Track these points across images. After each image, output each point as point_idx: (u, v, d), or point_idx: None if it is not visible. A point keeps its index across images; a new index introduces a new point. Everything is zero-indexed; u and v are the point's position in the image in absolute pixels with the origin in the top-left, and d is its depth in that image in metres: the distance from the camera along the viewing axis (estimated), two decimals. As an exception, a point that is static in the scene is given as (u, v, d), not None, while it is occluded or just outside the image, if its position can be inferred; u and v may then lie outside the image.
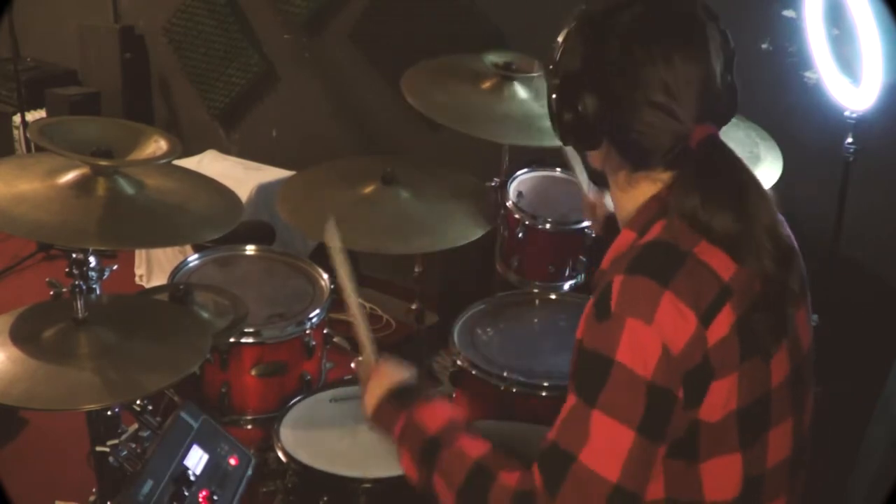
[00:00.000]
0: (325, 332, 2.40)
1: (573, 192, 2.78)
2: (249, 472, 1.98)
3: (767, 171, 2.38)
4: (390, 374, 1.57)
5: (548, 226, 2.65)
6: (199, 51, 4.26)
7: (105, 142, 1.89)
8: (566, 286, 2.68)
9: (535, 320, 2.45)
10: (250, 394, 2.28)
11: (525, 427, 1.90)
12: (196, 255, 2.52)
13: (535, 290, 2.57)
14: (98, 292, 1.95)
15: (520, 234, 2.64)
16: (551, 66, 1.39)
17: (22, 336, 1.81)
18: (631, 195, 1.40)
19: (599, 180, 1.48)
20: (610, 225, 1.49)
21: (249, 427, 2.28)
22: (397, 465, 1.89)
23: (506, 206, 2.68)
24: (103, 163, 1.83)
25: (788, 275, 1.36)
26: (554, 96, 1.38)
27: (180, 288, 2.16)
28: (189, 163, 3.78)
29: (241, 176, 3.70)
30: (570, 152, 2.01)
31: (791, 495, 1.43)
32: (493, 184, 2.73)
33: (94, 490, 2.02)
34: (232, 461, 1.95)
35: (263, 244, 2.77)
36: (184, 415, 1.92)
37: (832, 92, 2.53)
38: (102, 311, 1.91)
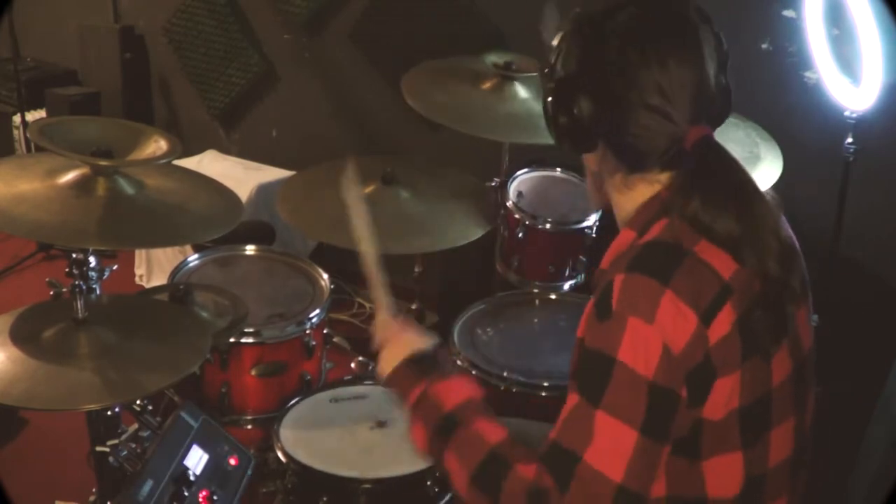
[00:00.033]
0: (325, 332, 2.40)
1: (573, 192, 2.79)
2: (249, 472, 1.98)
3: (767, 171, 2.38)
4: (411, 339, 1.54)
5: (548, 226, 2.65)
6: (199, 51, 4.26)
7: (105, 142, 1.89)
8: (566, 286, 2.68)
9: (535, 320, 2.45)
10: (250, 394, 2.28)
11: (525, 423, 1.90)
12: (196, 255, 2.52)
13: (535, 290, 2.57)
14: (98, 292, 1.95)
15: (520, 234, 2.64)
16: (546, 70, 1.40)
17: (22, 336, 1.81)
18: (628, 196, 1.40)
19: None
20: (609, 225, 1.49)
21: (249, 427, 2.28)
22: (397, 465, 1.91)
23: (506, 206, 2.68)
24: (103, 163, 1.83)
25: (790, 275, 1.36)
26: (549, 99, 1.39)
27: (180, 288, 2.16)
28: (189, 163, 3.78)
29: (241, 176, 3.70)
30: None
31: (792, 495, 1.43)
32: (493, 184, 2.73)
33: (94, 490, 2.02)
34: (232, 461, 1.95)
35: (263, 244, 2.77)
36: (184, 415, 1.92)
37: (832, 92, 2.53)
38: (102, 311, 1.91)
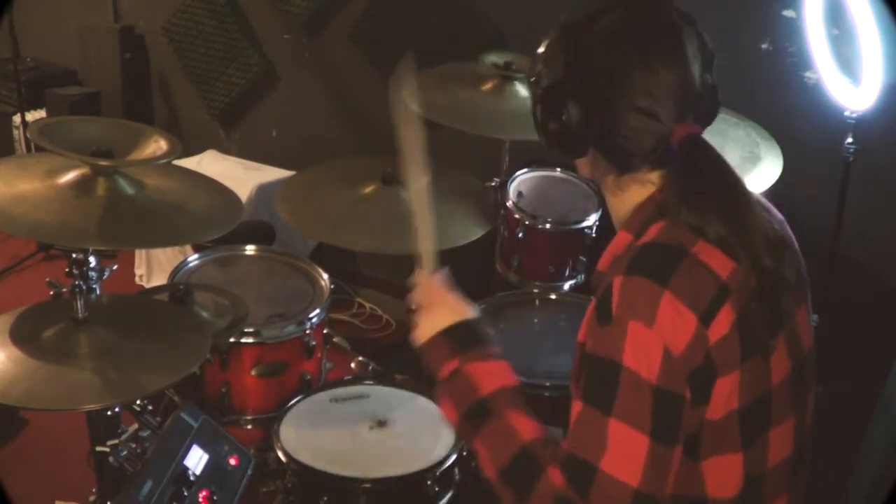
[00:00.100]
0: (325, 332, 2.39)
1: (573, 192, 2.79)
2: (249, 472, 1.98)
3: (767, 171, 2.38)
4: (453, 307, 1.49)
5: (548, 226, 2.65)
6: (199, 51, 4.26)
7: (105, 142, 1.89)
8: (566, 286, 2.68)
9: (535, 320, 2.45)
10: (250, 394, 2.28)
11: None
12: (196, 255, 2.52)
13: (535, 290, 2.57)
14: (98, 292, 1.95)
15: (520, 234, 2.64)
16: (533, 78, 1.41)
17: (22, 336, 1.81)
18: (622, 198, 1.42)
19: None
20: (610, 225, 1.49)
21: (249, 427, 2.28)
22: (397, 465, 1.91)
23: (506, 206, 2.68)
24: (103, 163, 1.83)
25: (781, 265, 1.37)
26: (538, 106, 1.40)
27: (180, 288, 2.16)
28: (189, 163, 3.78)
29: (241, 176, 3.70)
30: None
31: (792, 495, 1.44)
32: (493, 184, 2.73)
33: (94, 490, 2.02)
34: (232, 461, 1.95)
35: (263, 244, 2.77)
36: (184, 415, 1.92)
37: (832, 92, 2.53)
38: (102, 311, 1.91)
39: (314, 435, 2.02)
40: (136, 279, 3.86)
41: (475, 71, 2.73)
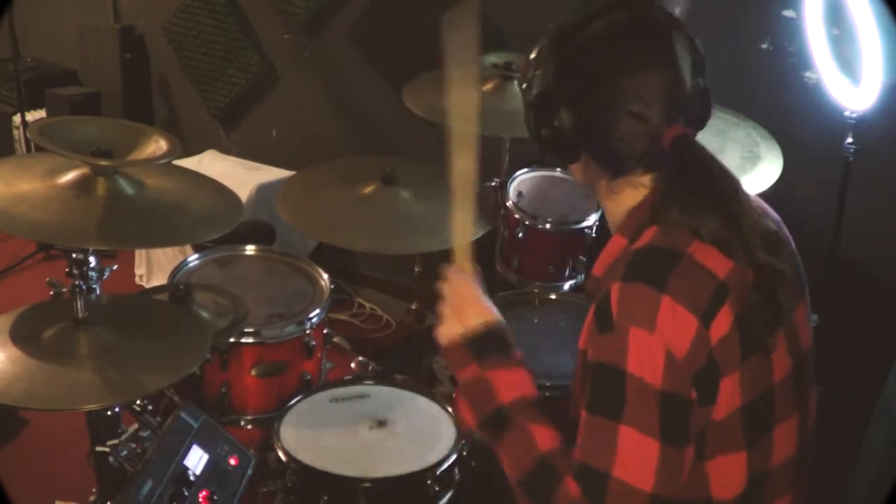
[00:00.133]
0: (325, 332, 2.39)
1: (573, 192, 2.78)
2: (249, 472, 1.98)
3: (767, 170, 2.38)
4: (480, 311, 1.45)
5: (548, 226, 2.65)
6: (199, 51, 4.26)
7: (105, 142, 1.89)
8: (566, 286, 2.68)
9: (535, 320, 2.45)
10: (250, 394, 2.28)
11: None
12: (196, 255, 2.52)
13: (535, 290, 2.56)
14: (98, 292, 1.95)
15: (520, 234, 2.64)
16: (525, 85, 1.42)
17: (22, 336, 1.81)
18: (616, 201, 1.43)
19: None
20: (607, 225, 1.50)
21: (249, 427, 2.28)
22: (397, 465, 1.91)
23: (506, 206, 2.68)
24: (103, 163, 1.83)
25: (777, 260, 1.37)
26: (530, 113, 1.41)
27: (180, 288, 2.16)
28: (189, 163, 3.78)
29: (241, 176, 3.70)
30: None
31: (795, 494, 1.44)
32: (493, 184, 2.73)
33: (94, 490, 2.02)
34: (232, 461, 1.95)
35: (263, 244, 2.77)
36: (184, 415, 1.92)
37: (832, 92, 2.53)
38: (102, 311, 1.91)
39: (314, 435, 2.02)
40: (136, 279, 3.86)
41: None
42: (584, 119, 1.35)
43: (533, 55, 1.41)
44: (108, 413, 1.93)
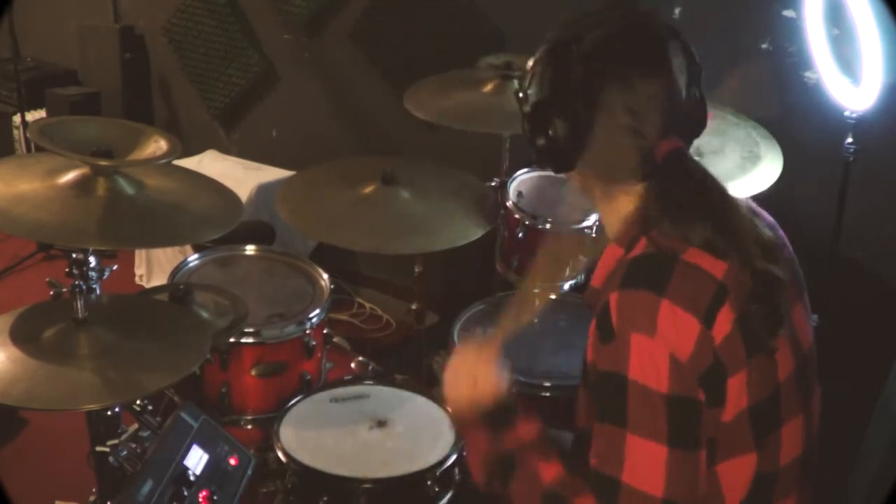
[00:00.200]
0: (325, 332, 2.40)
1: (573, 192, 2.78)
2: (249, 472, 1.98)
3: (767, 170, 2.38)
4: (491, 388, 1.52)
5: (548, 226, 2.65)
6: (199, 51, 4.26)
7: (105, 142, 1.89)
8: (566, 286, 2.68)
9: (535, 320, 2.44)
10: (250, 394, 2.28)
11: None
12: (196, 255, 2.52)
13: (536, 291, 2.56)
14: (98, 292, 1.95)
15: (520, 234, 2.64)
16: (521, 94, 1.44)
17: (22, 336, 1.81)
18: (611, 208, 1.44)
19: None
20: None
21: (249, 427, 2.28)
22: (397, 465, 1.91)
23: (506, 206, 2.68)
24: (103, 163, 1.83)
25: (773, 265, 1.37)
26: (526, 122, 1.42)
27: (180, 288, 2.16)
28: (189, 163, 3.78)
29: (241, 176, 3.70)
30: None
31: (801, 494, 1.44)
32: (493, 184, 2.73)
33: (94, 490, 2.02)
34: (232, 461, 1.95)
35: (263, 244, 2.77)
36: (184, 415, 1.92)
37: (832, 92, 2.52)
38: (102, 311, 1.91)
39: (314, 435, 2.02)
40: (136, 279, 3.86)
41: (475, 75, 2.75)
42: (578, 130, 1.36)
43: (530, 63, 1.43)
44: (108, 413, 1.93)
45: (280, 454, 1.96)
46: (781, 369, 1.35)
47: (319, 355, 2.39)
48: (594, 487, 1.28)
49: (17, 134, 4.47)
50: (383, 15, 3.72)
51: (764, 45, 2.86)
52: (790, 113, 2.80)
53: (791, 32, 2.79)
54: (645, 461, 1.24)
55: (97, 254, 1.92)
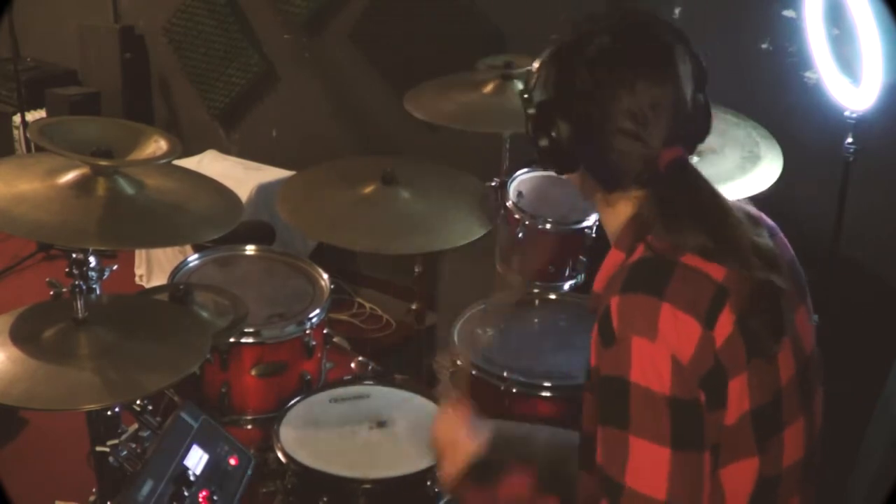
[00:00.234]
0: (325, 332, 2.40)
1: (573, 192, 2.77)
2: (249, 472, 1.98)
3: (767, 170, 2.38)
4: (469, 447, 1.59)
5: (548, 226, 2.65)
6: (199, 51, 4.26)
7: (105, 142, 1.89)
8: (566, 286, 2.68)
9: (535, 320, 2.45)
10: (250, 394, 2.28)
11: (532, 428, 1.90)
12: (196, 255, 2.52)
13: (535, 290, 2.57)
14: (98, 292, 1.95)
15: (520, 234, 2.64)
16: (526, 95, 1.44)
17: (22, 336, 1.81)
18: (611, 213, 1.44)
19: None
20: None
21: (249, 427, 2.28)
22: (397, 465, 1.91)
23: (506, 206, 2.68)
24: (103, 163, 1.83)
25: (776, 273, 1.37)
26: (530, 124, 1.43)
27: (180, 288, 2.16)
28: (189, 163, 3.78)
29: (241, 176, 3.70)
30: None
31: (804, 497, 1.44)
32: (493, 184, 2.73)
33: (94, 490, 2.02)
34: (232, 461, 1.95)
35: (263, 244, 2.77)
36: (184, 415, 1.92)
37: (832, 92, 2.52)
38: (102, 311, 1.91)
39: (314, 435, 2.02)
40: (136, 279, 3.86)
41: (475, 77, 2.75)
42: (580, 134, 1.36)
43: (535, 65, 1.43)
44: (108, 413, 1.93)
45: (280, 454, 1.96)
46: (783, 373, 1.35)
47: (319, 355, 2.39)
48: (604, 490, 1.29)
49: (17, 134, 4.48)
50: (383, 15, 3.72)
51: (764, 45, 2.86)
52: (790, 113, 2.80)
53: (791, 32, 2.79)
54: (648, 464, 1.24)
55: (97, 254, 1.92)
